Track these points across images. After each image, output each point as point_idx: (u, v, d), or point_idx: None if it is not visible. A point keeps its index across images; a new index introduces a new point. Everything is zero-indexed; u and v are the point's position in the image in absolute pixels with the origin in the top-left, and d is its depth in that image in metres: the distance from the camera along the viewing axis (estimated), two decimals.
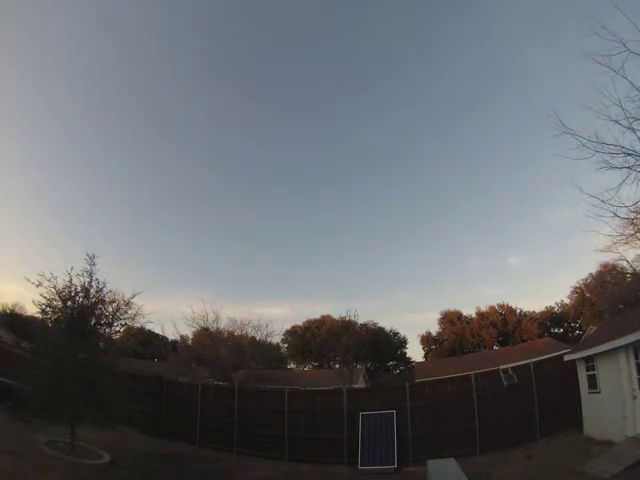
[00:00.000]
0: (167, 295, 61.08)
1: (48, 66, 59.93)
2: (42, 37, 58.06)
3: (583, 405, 11.00)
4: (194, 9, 60.80)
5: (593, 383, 10.59)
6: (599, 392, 10.29)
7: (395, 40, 63.86)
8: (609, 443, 9.04)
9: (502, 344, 42.52)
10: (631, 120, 10.11)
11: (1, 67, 52.06)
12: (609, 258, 18.16)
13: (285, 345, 48.30)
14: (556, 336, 39.84)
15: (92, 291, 9.74)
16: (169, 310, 72.10)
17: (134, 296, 10.37)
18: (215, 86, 70.92)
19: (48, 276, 9.26)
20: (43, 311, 9.53)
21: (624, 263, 20.34)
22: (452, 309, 49.21)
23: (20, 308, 35.73)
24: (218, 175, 77.86)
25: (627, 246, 12.90)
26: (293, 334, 50.12)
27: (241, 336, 24.15)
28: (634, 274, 21.23)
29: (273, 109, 74.60)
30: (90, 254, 9.68)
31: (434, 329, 49.51)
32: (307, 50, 66.02)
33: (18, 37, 51.82)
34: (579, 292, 43.27)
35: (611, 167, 10.79)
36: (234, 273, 69.42)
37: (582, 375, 11.11)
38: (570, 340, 34.61)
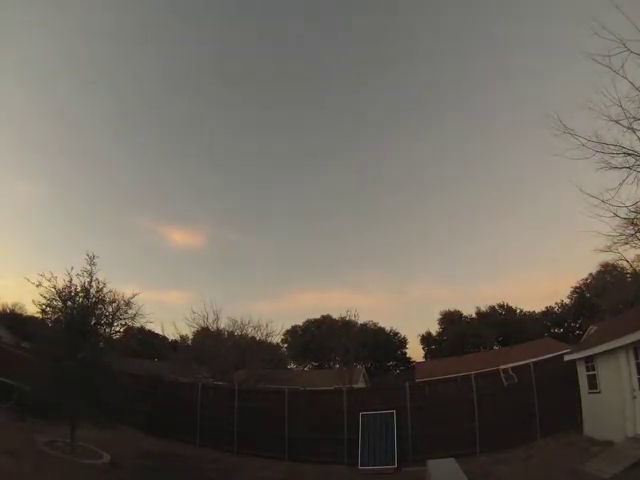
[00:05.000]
0: (167, 294, 61.06)
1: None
2: None
3: (583, 405, 10.98)
4: None
5: (593, 383, 10.57)
6: (599, 392, 10.28)
7: (403, 40, 63.90)
8: (609, 443, 9.03)
9: (502, 344, 42.50)
10: (631, 120, 10.14)
11: None
12: (609, 258, 18.12)
13: (285, 345, 48.32)
14: (556, 336, 39.82)
15: (92, 291, 9.74)
16: (169, 310, 72.04)
17: (134, 296, 10.38)
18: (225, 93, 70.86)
19: (48, 276, 9.27)
20: (43, 311, 9.53)
21: (624, 263, 20.32)
22: (452, 309, 49.31)
23: (20, 308, 35.77)
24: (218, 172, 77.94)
25: (627, 246, 12.87)
26: (293, 334, 50.17)
27: (241, 336, 24.13)
28: (634, 274, 21.23)
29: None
30: (90, 254, 9.69)
31: (434, 329, 49.61)
32: None
33: None
34: (579, 292, 43.32)
35: (611, 167, 10.82)
36: (235, 271, 69.56)
37: (582, 375, 11.10)
38: (570, 340, 34.56)
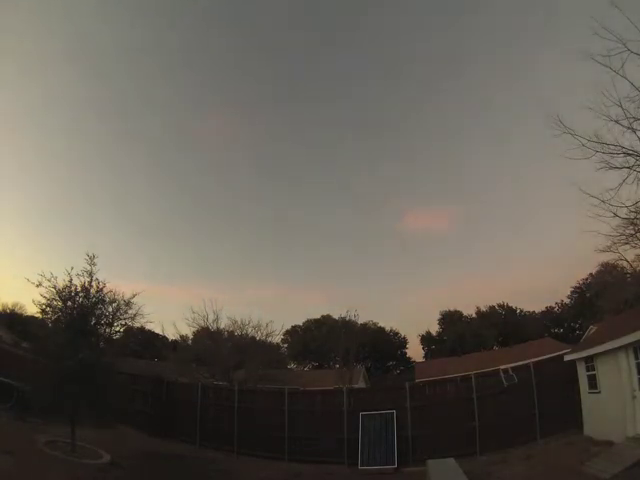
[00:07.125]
0: (167, 294, 61.04)
1: None
2: None
3: (583, 405, 10.97)
4: None
5: (593, 383, 10.57)
6: (599, 392, 10.28)
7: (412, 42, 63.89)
8: (609, 443, 9.02)
9: (502, 344, 42.48)
10: (631, 120, 10.17)
11: None
12: (609, 258, 18.14)
13: (285, 345, 48.32)
14: (556, 336, 39.80)
15: (92, 291, 9.74)
16: (169, 309, 72.05)
17: (134, 296, 10.37)
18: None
19: (48, 276, 9.28)
20: (43, 311, 9.55)
21: (624, 263, 20.27)
22: (452, 309, 49.32)
23: (20, 308, 35.78)
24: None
25: (627, 246, 12.88)
26: (293, 334, 50.19)
27: (241, 336, 24.10)
28: (634, 274, 21.17)
29: None
30: (90, 254, 9.70)
31: (434, 329, 49.61)
32: None
33: None
34: (579, 292, 43.31)
35: (611, 167, 10.86)
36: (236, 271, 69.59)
37: (582, 375, 11.09)
38: (570, 340, 34.54)
